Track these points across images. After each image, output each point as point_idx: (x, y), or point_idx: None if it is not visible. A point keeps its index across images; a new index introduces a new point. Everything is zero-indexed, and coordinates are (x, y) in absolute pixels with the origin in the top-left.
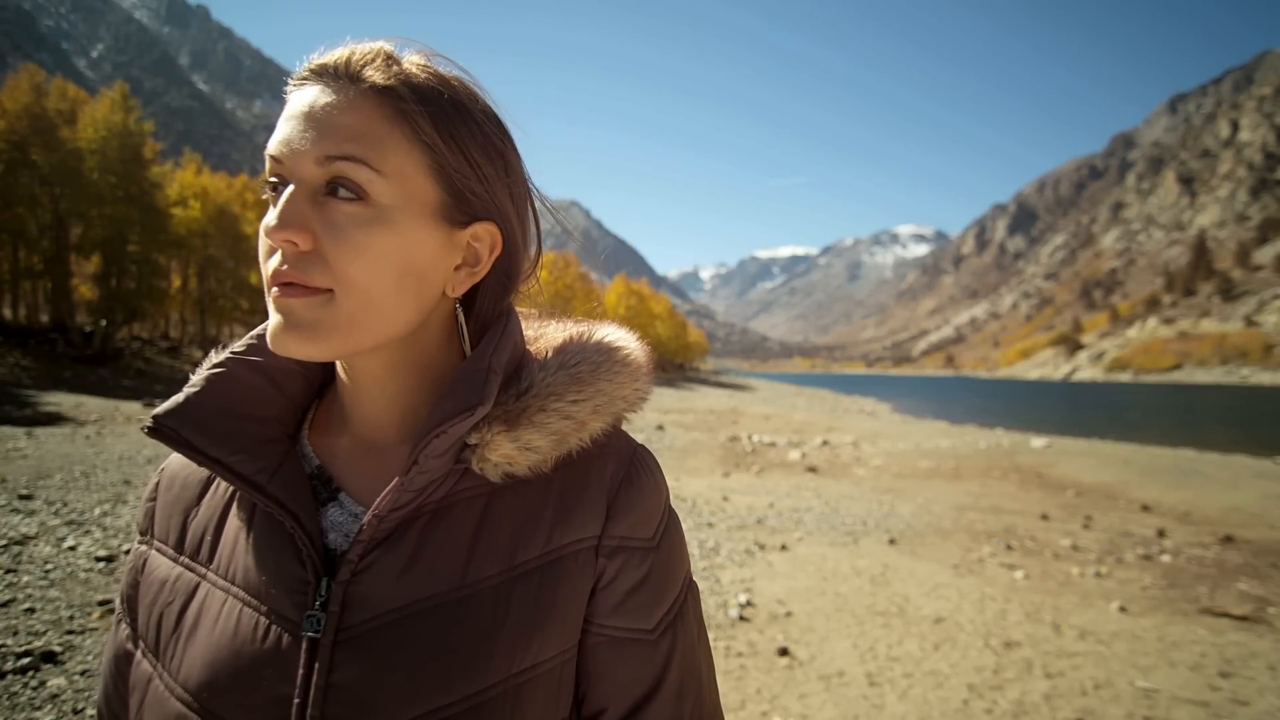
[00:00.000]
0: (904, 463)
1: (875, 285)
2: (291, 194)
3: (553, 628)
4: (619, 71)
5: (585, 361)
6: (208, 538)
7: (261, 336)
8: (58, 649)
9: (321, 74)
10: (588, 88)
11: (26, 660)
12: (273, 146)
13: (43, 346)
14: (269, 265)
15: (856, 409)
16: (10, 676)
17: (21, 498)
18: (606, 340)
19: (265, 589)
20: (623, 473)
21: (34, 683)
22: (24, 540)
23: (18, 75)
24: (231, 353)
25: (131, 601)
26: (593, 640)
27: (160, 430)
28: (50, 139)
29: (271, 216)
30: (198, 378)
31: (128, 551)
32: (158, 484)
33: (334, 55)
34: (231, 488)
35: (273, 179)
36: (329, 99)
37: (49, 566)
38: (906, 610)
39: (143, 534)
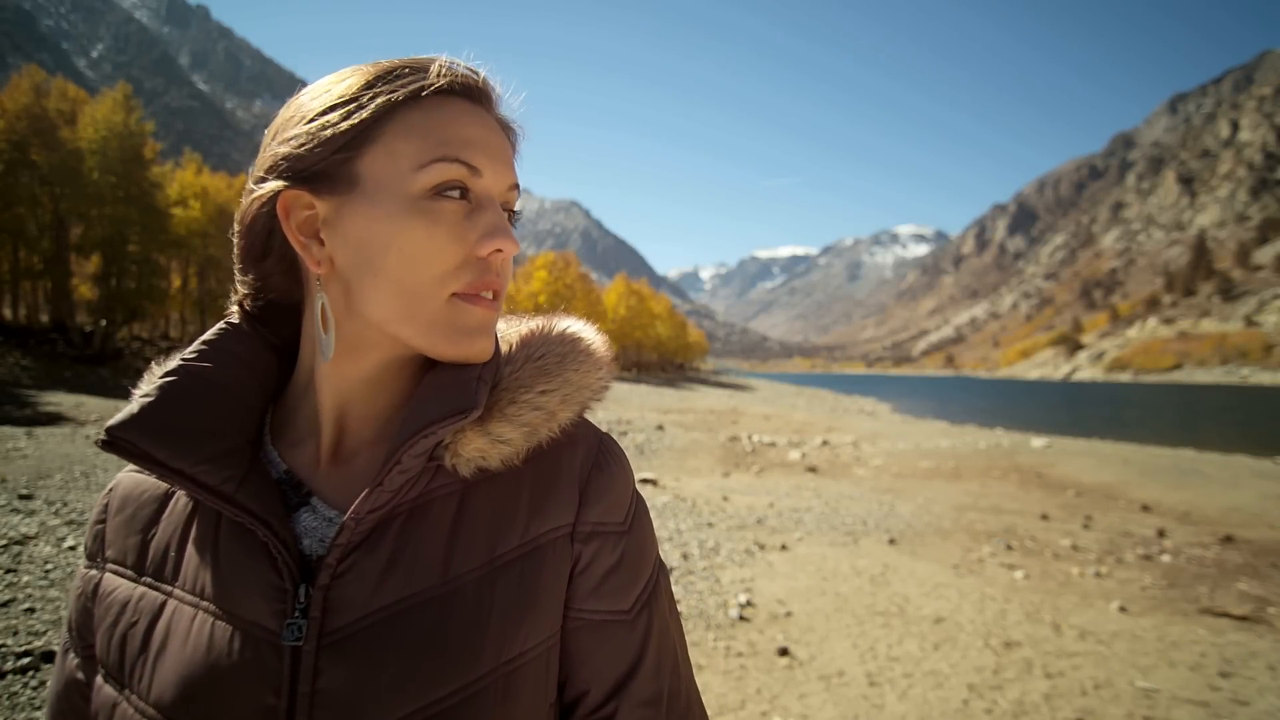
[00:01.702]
0: (904, 463)
1: (875, 285)
2: (501, 213)
3: (537, 615)
4: (619, 71)
5: (551, 354)
6: (171, 554)
7: (211, 342)
8: (58, 649)
9: (479, 97)
10: (588, 88)
11: (26, 660)
12: (475, 159)
13: (43, 346)
14: (465, 274)
15: (856, 409)
16: (10, 676)
17: (21, 497)
18: (569, 332)
19: (239, 600)
20: (592, 460)
21: (34, 683)
22: (24, 540)
23: (19, 76)
24: (182, 359)
25: (83, 629)
26: (572, 625)
27: (116, 443)
28: (50, 139)
29: (506, 232)
30: (149, 387)
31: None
32: (106, 505)
33: (484, 80)
34: (191, 501)
35: (458, 185)
36: (497, 126)
37: (49, 566)
38: (906, 610)
39: (91, 558)
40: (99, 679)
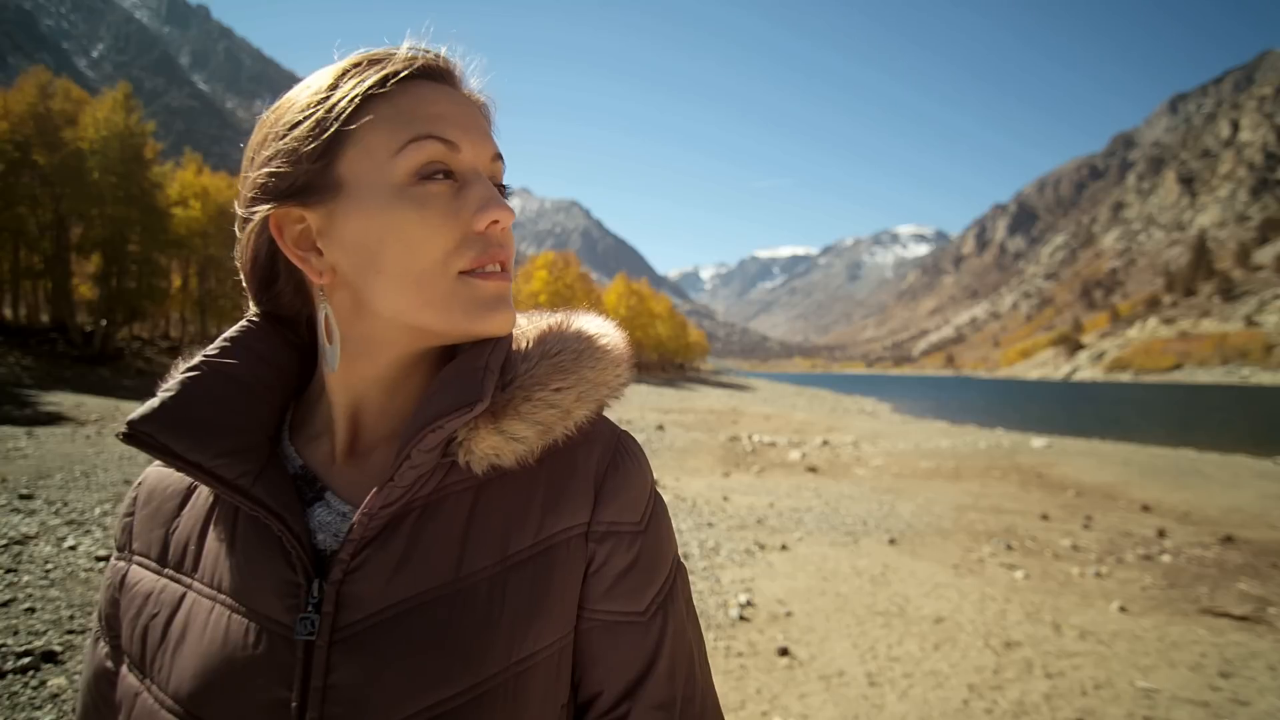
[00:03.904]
0: (904, 463)
1: (875, 285)
2: (489, 184)
3: (549, 615)
4: (619, 71)
5: (567, 350)
6: (191, 547)
7: (234, 339)
8: (58, 648)
9: (443, 76)
10: (588, 88)
11: (27, 660)
12: (450, 133)
13: (43, 346)
14: (468, 251)
15: (857, 409)
16: (10, 676)
17: (22, 497)
18: (585, 329)
19: (254, 594)
20: (608, 459)
21: (34, 682)
22: (24, 540)
23: (25, 76)
24: (205, 356)
25: (111, 619)
26: (586, 625)
27: (137, 436)
28: (52, 139)
29: (498, 201)
30: (172, 382)
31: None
32: (135, 499)
33: (444, 59)
34: (212, 495)
35: (442, 167)
36: (466, 100)
37: (49, 566)
38: (906, 610)
39: (120, 549)
40: (124, 668)
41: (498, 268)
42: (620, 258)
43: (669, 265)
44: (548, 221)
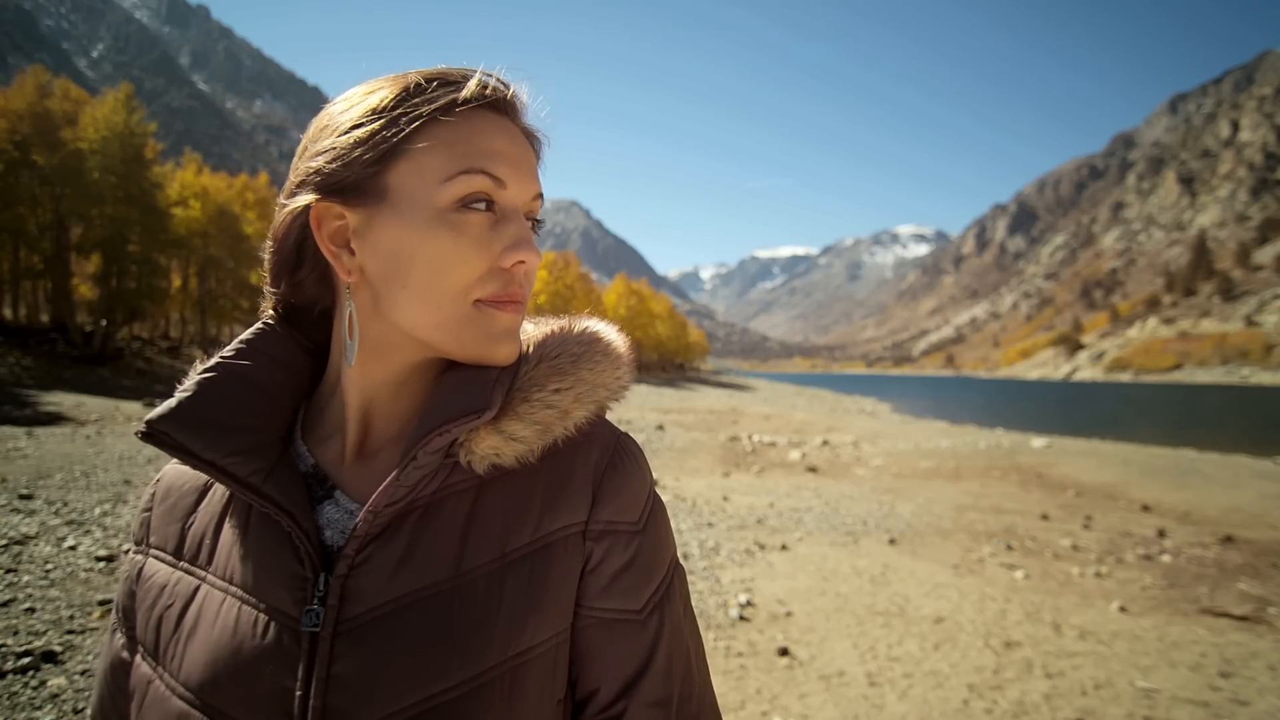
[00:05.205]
0: (904, 463)
1: (875, 285)
2: (525, 224)
3: (546, 612)
4: (618, 71)
5: (565, 354)
6: (206, 541)
7: (249, 341)
8: (58, 649)
9: (506, 109)
10: (588, 88)
11: (27, 660)
12: (500, 171)
13: (43, 346)
14: (490, 284)
15: (856, 409)
16: (10, 676)
17: (22, 497)
18: (586, 332)
19: (264, 587)
20: (607, 459)
21: (34, 682)
22: (24, 540)
23: (24, 75)
24: (221, 358)
25: (128, 610)
26: (583, 622)
27: (154, 435)
28: (52, 139)
29: (529, 244)
30: (189, 382)
31: (128, 551)
32: (154, 494)
33: (513, 93)
34: (227, 492)
35: (485, 198)
36: (522, 136)
37: (49, 566)
38: (906, 610)
39: (138, 543)
40: (138, 658)
41: (512, 303)
42: (620, 258)
43: (669, 265)
44: (548, 221)
